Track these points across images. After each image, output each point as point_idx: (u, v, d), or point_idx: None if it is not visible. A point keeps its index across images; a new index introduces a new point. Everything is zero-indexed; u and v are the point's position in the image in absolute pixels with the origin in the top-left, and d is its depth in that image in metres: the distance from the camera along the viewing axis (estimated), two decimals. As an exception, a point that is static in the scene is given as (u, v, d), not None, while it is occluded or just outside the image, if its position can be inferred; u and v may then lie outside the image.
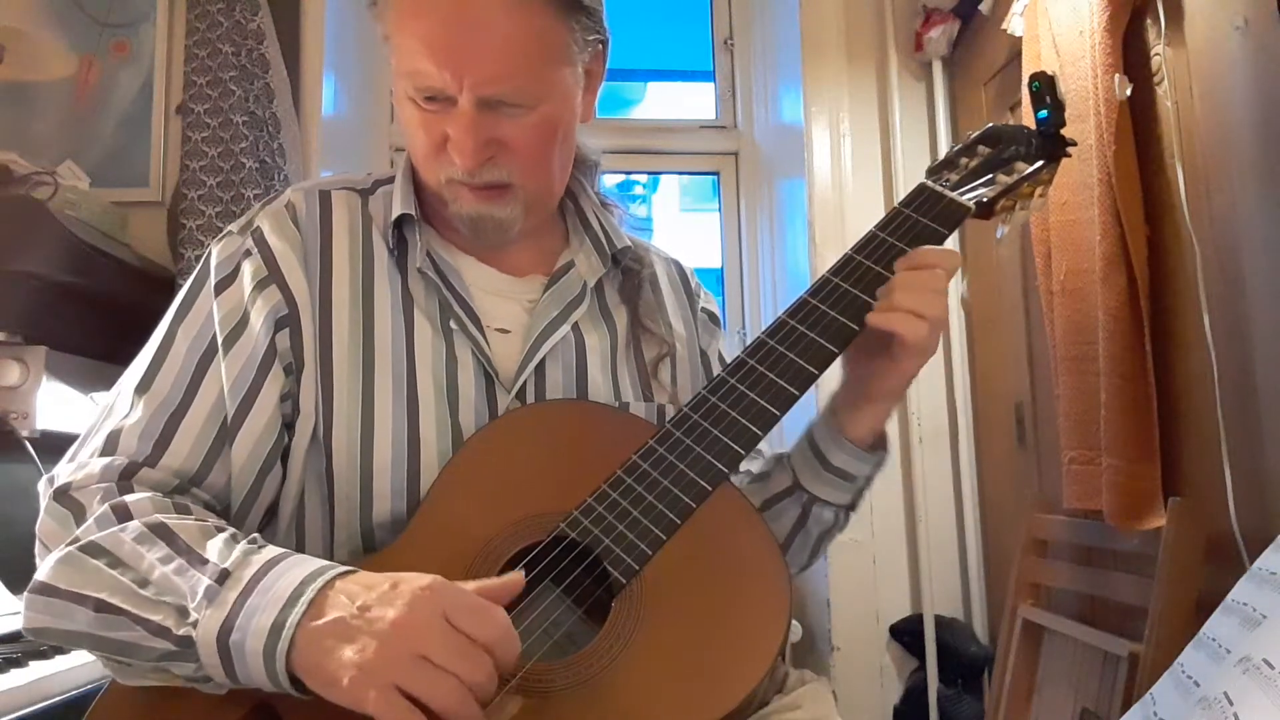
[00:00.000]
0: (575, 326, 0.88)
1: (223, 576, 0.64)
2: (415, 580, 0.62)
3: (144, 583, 0.65)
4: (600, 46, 0.86)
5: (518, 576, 0.66)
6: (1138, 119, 1.44)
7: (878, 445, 0.86)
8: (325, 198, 0.88)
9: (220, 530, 0.69)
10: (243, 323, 0.80)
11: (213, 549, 0.66)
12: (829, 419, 0.86)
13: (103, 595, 0.65)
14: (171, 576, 0.65)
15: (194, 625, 0.63)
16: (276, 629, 0.61)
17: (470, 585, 0.63)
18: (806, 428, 0.89)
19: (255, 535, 0.70)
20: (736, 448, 0.74)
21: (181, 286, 0.85)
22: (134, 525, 0.68)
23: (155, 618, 0.64)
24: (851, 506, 0.89)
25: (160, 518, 0.69)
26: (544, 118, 0.81)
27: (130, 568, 0.66)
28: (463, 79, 0.77)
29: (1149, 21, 1.44)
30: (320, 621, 0.61)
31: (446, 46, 0.77)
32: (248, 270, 0.82)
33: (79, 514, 0.71)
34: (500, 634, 0.61)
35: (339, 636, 0.60)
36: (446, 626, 0.60)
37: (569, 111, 0.84)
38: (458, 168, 0.81)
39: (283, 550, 0.67)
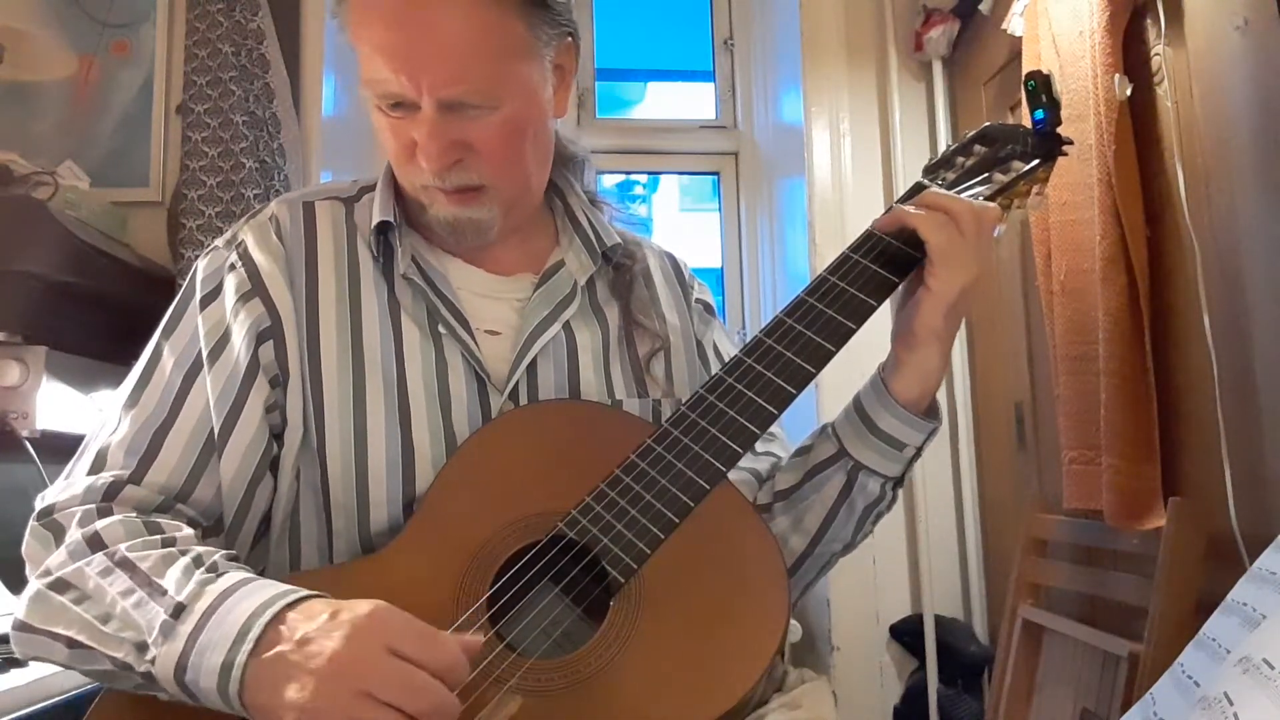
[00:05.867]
0: (567, 325, 0.88)
1: (178, 610, 0.64)
2: (356, 609, 0.61)
3: (106, 618, 0.66)
4: (568, 39, 0.85)
5: (477, 640, 0.64)
6: (1138, 119, 1.43)
7: (930, 413, 0.82)
8: (309, 209, 0.88)
9: (184, 554, 0.69)
10: (225, 337, 0.80)
11: (171, 579, 0.66)
12: (876, 382, 0.83)
13: (71, 633, 0.67)
14: (130, 611, 0.65)
15: (152, 662, 0.63)
16: (226, 669, 0.61)
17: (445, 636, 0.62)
18: (854, 396, 0.85)
19: (215, 559, 0.69)
20: (735, 446, 0.74)
21: (176, 293, 0.85)
22: (99, 558, 0.68)
23: (118, 654, 0.64)
24: (899, 481, 0.85)
25: (124, 549, 0.68)
26: (509, 117, 0.80)
27: (94, 602, 0.67)
28: (420, 83, 0.76)
29: (1149, 21, 1.44)
30: (264, 657, 0.61)
31: (401, 52, 0.76)
32: (230, 284, 0.82)
33: (58, 536, 0.72)
34: (449, 659, 0.60)
35: (280, 675, 0.60)
36: (388, 658, 0.59)
37: (536, 108, 0.83)
38: (427, 173, 0.81)
39: (240, 577, 0.67)
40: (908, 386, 0.81)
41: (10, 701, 0.97)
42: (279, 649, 0.61)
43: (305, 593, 0.65)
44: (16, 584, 1.13)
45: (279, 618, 0.62)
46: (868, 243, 0.83)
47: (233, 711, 0.62)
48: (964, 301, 0.78)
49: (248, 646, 0.61)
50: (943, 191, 0.82)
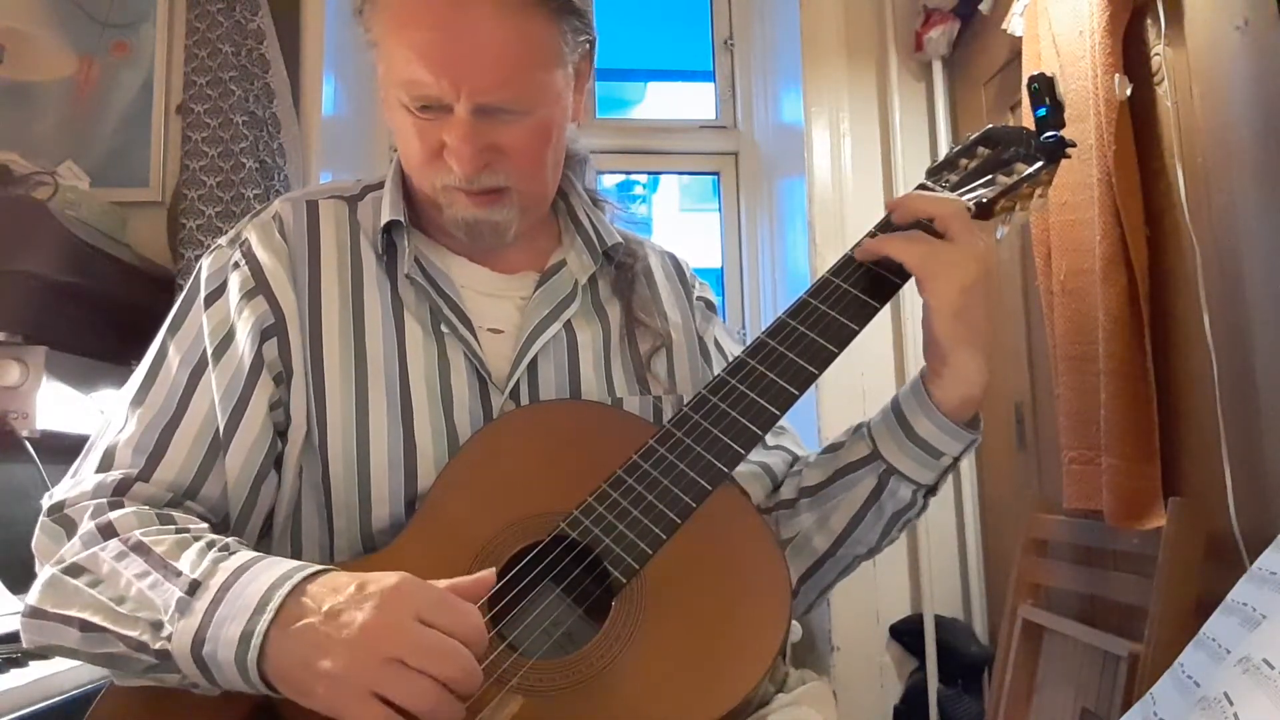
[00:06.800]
0: (568, 324, 0.88)
1: (193, 587, 0.64)
2: (383, 580, 0.62)
3: (121, 599, 0.66)
4: (588, 46, 0.86)
5: (489, 574, 0.66)
6: (1138, 119, 1.44)
7: (972, 424, 0.81)
8: (312, 207, 0.88)
9: (198, 539, 0.69)
10: (230, 334, 0.81)
11: (186, 560, 0.67)
12: (918, 386, 0.81)
13: (85, 615, 0.66)
14: (146, 591, 0.65)
15: (168, 639, 0.63)
16: (245, 638, 0.61)
17: (441, 584, 0.63)
18: (892, 398, 0.84)
19: (228, 542, 0.70)
20: (737, 447, 0.74)
21: (179, 292, 0.86)
22: (113, 543, 0.69)
23: (133, 633, 0.64)
24: (932, 490, 0.83)
25: (138, 534, 0.69)
26: (539, 122, 0.81)
27: (109, 585, 0.67)
28: (460, 88, 0.76)
29: (1149, 21, 1.44)
30: (290, 629, 0.61)
31: (443, 56, 0.76)
32: (234, 282, 0.83)
33: (70, 530, 0.72)
34: (473, 628, 0.61)
35: (309, 645, 0.60)
36: (418, 626, 0.60)
37: (561, 113, 0.84)
38: (456, 175, 0.81)
39: (254, 555, 0.67)
40: (948, 394, 0.80)
41: (10, 701, 0.97)
42: (307, 620, 0.61)
43: (321, 567, 0.65)
44: (16, 584, 1.13)
45: (299, 589, 0.63)
46: (869, 244, 0.83)
47: (250, 686, 0.62)
48: (970, 301, 0.77)
49: (268, 616, 0.61)
50: (921, 194, 0.82)
